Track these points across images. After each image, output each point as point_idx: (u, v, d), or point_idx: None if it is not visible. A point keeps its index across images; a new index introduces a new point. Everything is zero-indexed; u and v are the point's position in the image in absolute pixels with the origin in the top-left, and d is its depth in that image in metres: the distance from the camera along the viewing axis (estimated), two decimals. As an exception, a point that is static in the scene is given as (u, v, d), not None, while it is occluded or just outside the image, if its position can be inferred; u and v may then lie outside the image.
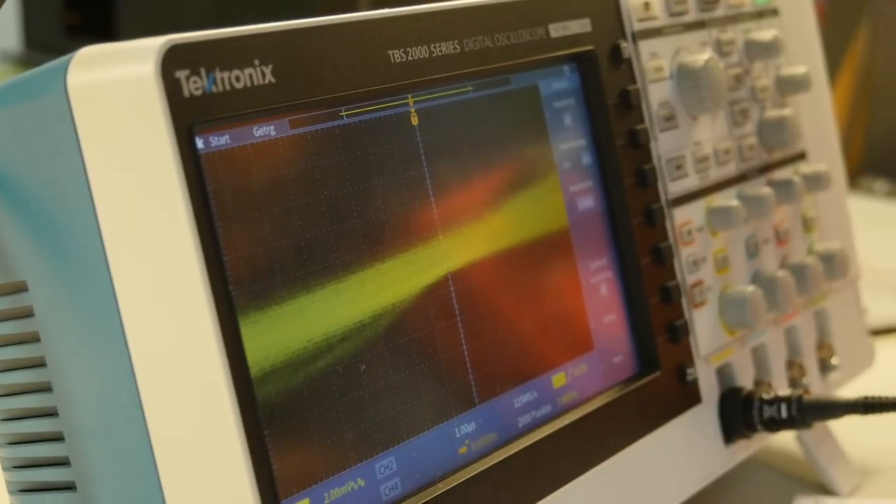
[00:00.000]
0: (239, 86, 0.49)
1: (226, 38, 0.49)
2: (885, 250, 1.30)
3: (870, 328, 0.99)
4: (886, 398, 0.68)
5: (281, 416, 0.50)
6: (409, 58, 0.57)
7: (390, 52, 0.56)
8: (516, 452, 0.58)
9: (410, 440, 0.55)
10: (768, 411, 0.70)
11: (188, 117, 0.47)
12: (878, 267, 1.23)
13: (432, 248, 0.57)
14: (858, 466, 0.82)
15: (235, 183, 0.49)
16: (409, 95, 0.57)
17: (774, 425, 0.70)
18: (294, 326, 0.51)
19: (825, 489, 0.79)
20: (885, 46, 1.56)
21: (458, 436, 0.57)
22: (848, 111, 1.58)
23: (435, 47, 0.58)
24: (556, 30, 0.64)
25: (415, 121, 0.58)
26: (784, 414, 0.69)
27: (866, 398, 0.69)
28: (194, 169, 0.47)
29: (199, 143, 0.48)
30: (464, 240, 0.59)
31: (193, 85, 0.48)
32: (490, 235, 0.60)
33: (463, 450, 0.57)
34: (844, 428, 0.81)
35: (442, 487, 0.55)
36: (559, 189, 0.64)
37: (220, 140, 0.49)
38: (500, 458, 0.57)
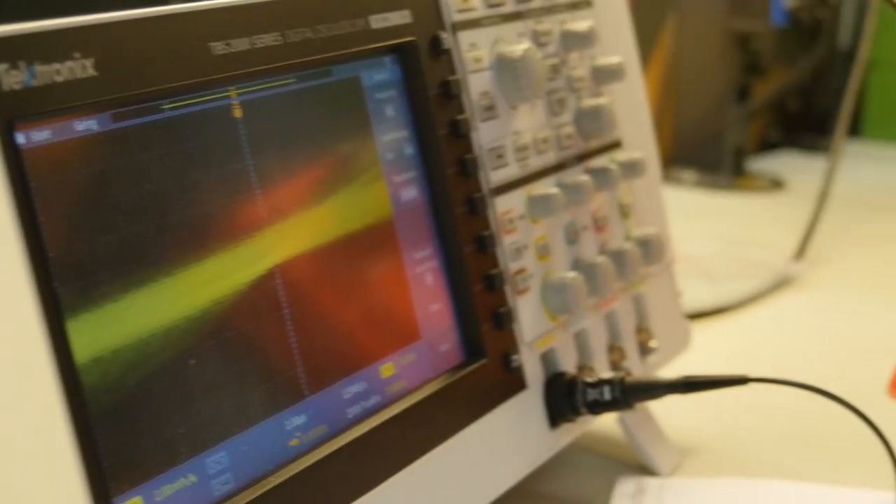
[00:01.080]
0: (59, 79, 0.48)
1: (46, 30, 0.48)
2: (695, 238, 1.33)
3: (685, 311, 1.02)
4: (706, 377, 0.70)
5: (110, 413, 0.49)
6: (231, 50, 0.56)
7: (211, 44, 0.55)
8: (347, 443, 0.58)
9: (241, 434, 0.55)
10: (592, 394, 0.71)
11: (8, 112, 0.46)
12: (688, 254, 1.26)
13: (258, 242, 0.57)
14: (678, 447, 0.84)
15: (58, 178, 0.49)
16: (232, 88, 0.57)
17: (598, 408, 0.71)
18: (121, 322, 0.50)
19: (647, 470, 0.81)
20: (688, 41, 1.60)
21: (288, 428, 0.57)
22: (656, 104, 1.62)
23: (257, 39, 0.58)
24: (377, 21, 0.64)
25: (238, 113, 0.57)
26: (607, 396, 0.71)
27: (687, 378, 0.70)
28: (15, 164, 0.46)
29: (20, 138, 0.47)
30: (289, 232, 0.59)
31: (13, 79, 0.47)
32: (315, 228, 0.60)
33: (294, 442, 0.57)
34: (664, 410, 0.83)
35: (274, 480, 0.55)
36: (383, 180, 0.64)
37: (42, 135, 0.48)
38: (331, 450, 0.57)
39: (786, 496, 0.78)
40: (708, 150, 1.60)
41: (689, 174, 1.61)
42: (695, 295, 1.14)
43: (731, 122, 1.59)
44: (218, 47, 0.56)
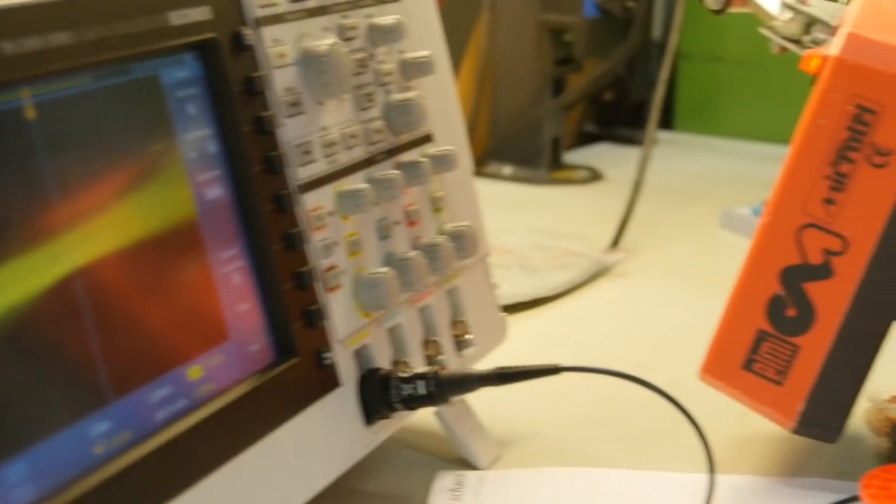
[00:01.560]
0: None
1: None
2: (512, 230, 1.34)
3: (501, 304, 1.03)
4: (519, 368, 0.70)
5: None
6: (22, 49, 0.55)
7: (1, 44, 0.54)
8: (154, 448, 0.57)
9: (42, 443, 0.53)
10: (406, 389, 0.71)
11: None
12: (506, 246, 1.27)
13: (56, 246, 0.55)
14: (498, 439, 0.84)
15: None
16: (25, 89, 0.55)
17: (414, 403, 0.71)
18: None
19: (467, 464, 0.81)
20: (502, 34, 1.61)
21: (92, 435, 0.56)
22: (472, 99, 1.62)
23: (50, 38, 0.56)
24: (176, 18, 0.63)
25: (31, 115, 0.56)
26: (422, 391, 0.71)
27: (500, 369, 0.71)
28: None
29: None
30: (90, 235, 0.57)
31: None
32: (117, 230, 0.59)
33: (99, 449, 0.56)
34: (482, 403, 0.83)
35: (78, 490, 0.53)
36: (186, 179, 0.63)
37: None
38: (138, 456, 0.56)
39: (600, 482, 0.79)
40: (525, 143, 1.61)
41: (507, 168, 1.62)
42: (513, 287, 1.15)
43: (547, 115, 1.61)
44: (8, 47, 0.54)
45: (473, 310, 0.82)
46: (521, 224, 1.38)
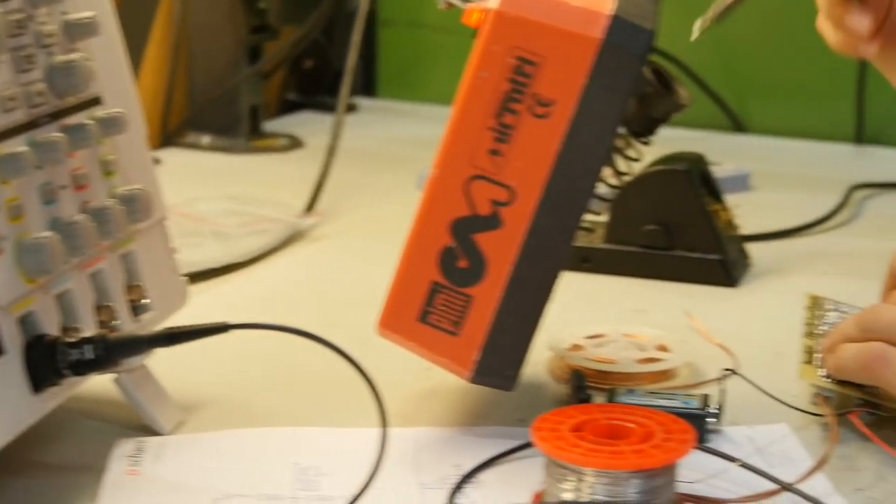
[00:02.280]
0: None
1: None
2: (210, 199, 1.33)
3: (194, 270, 1.02)
4: (187, 327, 0.69)
5: None
6: None
7: None
8: None
9: None
10: (74, 354, 0.69)
11: None
12: (200, 214, 1.26)
13: None
14: (181, 404, 0.84)
15: None
16: None
17: (82, 368, 0.69)
18: None
19: (150, 430, 0.80)
20: (195, 3, 1.59)
21: None
22: (167, 68, 1.60)
23: None
24: None
25: None
26: (90, 355, 0.69)
27: (168, 330, 0.70)
28: None
29: None
30: None
31: None
32: None
33: None
34: (165, 369, 0.82)
35: None
36: None
37: None
38: None
39: (282, 441, 0.79)
40: (224, 112, 1.60)
41: (206, 138, 1.60)
42: (206, 254, 1.14)
43: (244, 83, 1.60)
44: None
45: (151, 274, 0.81)
46: (221, 192, 1.37)
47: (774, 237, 1.27)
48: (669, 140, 1.23)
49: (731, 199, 1.25)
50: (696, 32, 0.95)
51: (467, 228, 0.75)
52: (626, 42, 0.72)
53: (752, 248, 1.19)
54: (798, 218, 1.31)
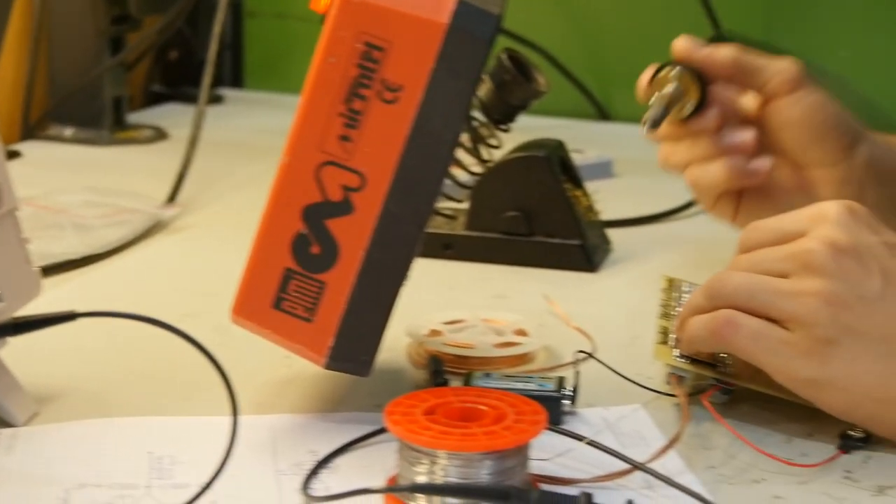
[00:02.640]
0: None
1: None
2: (71, 191, 1.32)
3: (53, 262, 1.01)
4: (33, 316, 0.69)
5: None
6: None
7: None
8: None
9: None
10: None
11: None
12: (59, 206, 1.24)
13: None
14: (36, 396, 0.83)
15: None
16: None
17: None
18: None
19: (2, 422, 0.79)
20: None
21: None
22: (27, 61, 1.57)
23: None
24: None
25: None
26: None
27: (14, 319, 0.69)
28: None
29: None
30: None
31: None
32: None
33: None
34: (20, 361, 0.81)
35: None
36: None
37: None
38: None
39: (137, 431, 0.78)
40: (86, 104, 1.58)
41: (68, 130, 1.58)
42: (66, 245, 1.13)
43: (106, 74, 1.58)
44: None
45: (1, 266, 0.80)
46: (82, 184, 1.35)
47: (636, 223, 1.28)
48: (536, 129, 1.25)
49: (593, 186, 1.27)
50: (644, 132, 0.97)
51: (319, 214, 0.75)
52: (472, 27, 0.72)
53: (614, 234, 1.21)
54: (660, 204, 1.33)
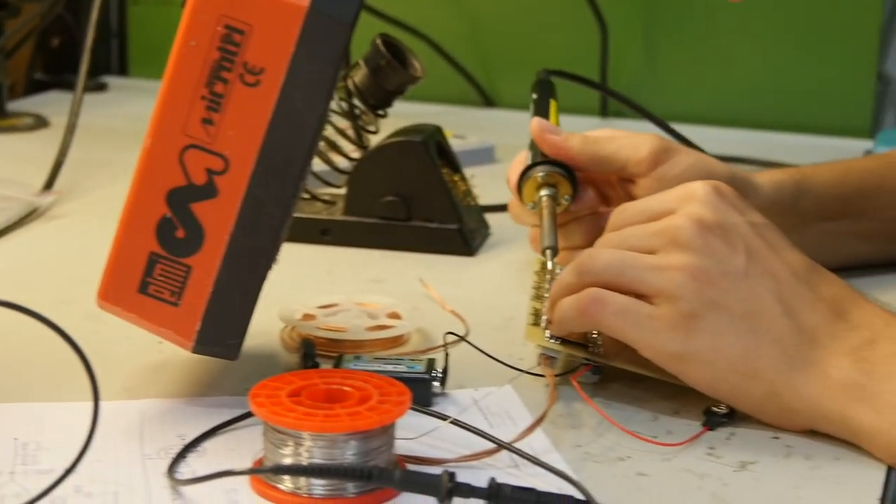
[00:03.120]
0: None
1: None
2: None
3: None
4: None
5: None
6: None
7: None
8: None
9: None
10: None
11: None
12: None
13: None
14: None
15: None
16: None
17: None
18: None
19: None
20: None
21: None
22: None
23: None
24: None
25: None
26: None
27: None
28: None
29: None
30: None
31: None
32: None
33: None
34: None
35: None
36: None
37: None
38: None
39: (2, 417, 0.78)
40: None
41: None
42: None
43: (-16, 62, 1.56)
44: None
45: None
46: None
47: (515, 207, 1.29)
48: (421, 115, 1.26)
49: (476, 172, 1.28)
50: (547, 258, 0.94)
51: (184, 198, 0.75)
52: (333, 10, 0.72)
53: (493, 219, 1.22)
54: (541, 189, 1.33)
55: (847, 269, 1.01)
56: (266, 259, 0.76)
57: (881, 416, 0.75)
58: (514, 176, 1.01)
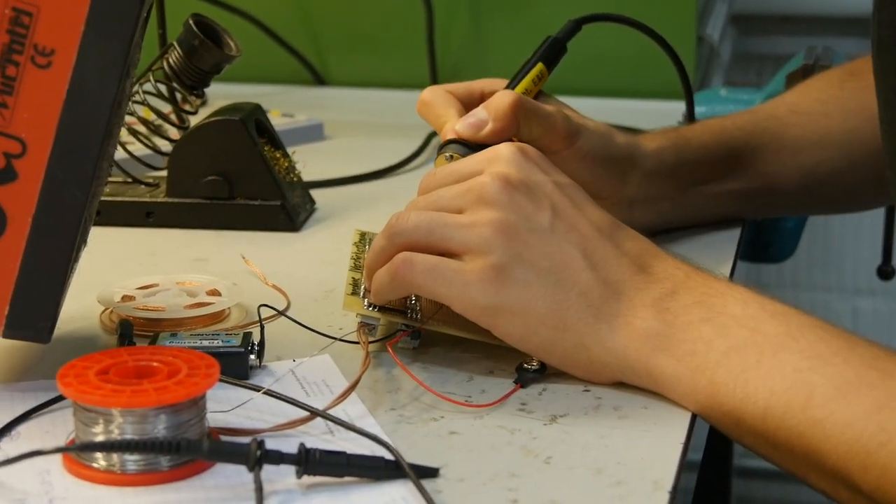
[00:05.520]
0: None
1: None
2: None
3: None
4: None
5: None
6: None
7: None
8: None
9: None
10: None
11: None
12: None
13: None
14: None
15: None
16: None
17: None
18: None
19: None
20: None
21: None
22: None
23: None
24: None
25: None
26: None
27: None
28: None
29: None
30: None
31: None
32: None
33: None
34: None
35: None
36: None
37: None
38: None
39: None
40: None
41: None
42: None
43: None
44: None
45: None
46: None
47: (340, 183, 1.30)
48: (251, 96, 1.26)
49: (306, 149, 1.29)
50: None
51: (-17, 183, 0.74)
52: (120, -11, 0.73)
53: (319, 195, 1.23)
54: (368, 165, 1.35)
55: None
56: (71, 240, 0.76)
57: (682, 363, 0.78)
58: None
